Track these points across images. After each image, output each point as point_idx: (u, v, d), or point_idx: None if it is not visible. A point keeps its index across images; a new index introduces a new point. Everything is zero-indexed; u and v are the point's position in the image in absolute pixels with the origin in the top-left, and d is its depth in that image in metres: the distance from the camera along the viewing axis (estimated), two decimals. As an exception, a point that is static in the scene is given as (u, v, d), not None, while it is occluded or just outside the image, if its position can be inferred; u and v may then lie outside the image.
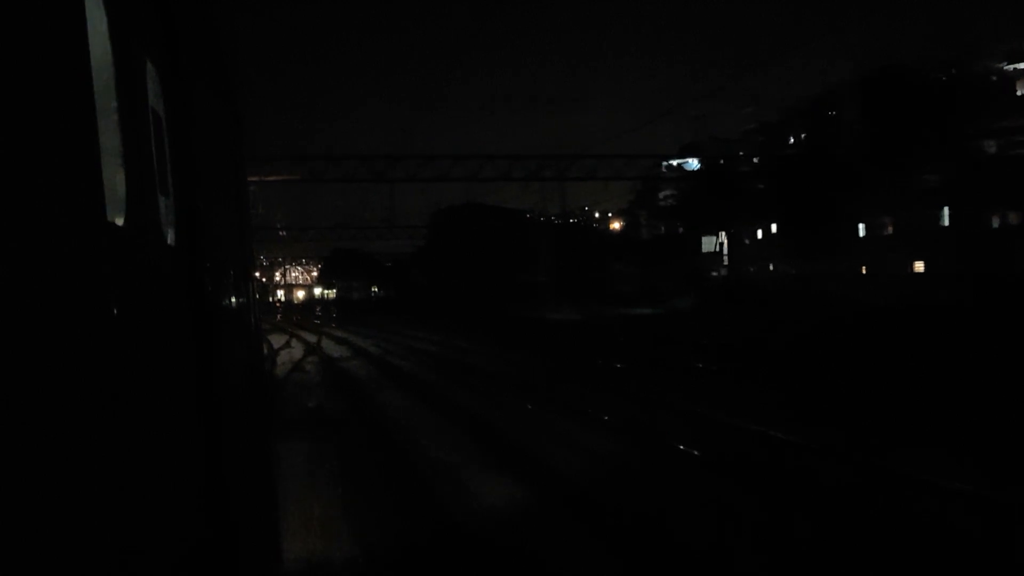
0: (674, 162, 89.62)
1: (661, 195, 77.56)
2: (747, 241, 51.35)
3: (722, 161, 51.76)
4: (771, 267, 46.89)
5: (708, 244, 56.66)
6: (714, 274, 52.87)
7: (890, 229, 38.24)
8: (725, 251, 54.20)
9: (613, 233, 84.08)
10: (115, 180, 1.42)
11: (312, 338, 36.29)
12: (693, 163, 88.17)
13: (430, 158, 40.98)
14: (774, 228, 46.99)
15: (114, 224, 1.38)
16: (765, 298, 36.06)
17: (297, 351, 27.58)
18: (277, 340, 34.32)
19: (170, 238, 1.97)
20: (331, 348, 28.46)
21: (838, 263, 35.43)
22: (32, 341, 0.96)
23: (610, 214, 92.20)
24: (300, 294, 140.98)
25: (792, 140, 44.95)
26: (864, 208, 35.78)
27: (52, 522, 0.98)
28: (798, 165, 36.82)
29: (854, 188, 33.21)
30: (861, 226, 39.12)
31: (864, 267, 37.52)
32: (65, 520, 1.02)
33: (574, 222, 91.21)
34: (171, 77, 2.05)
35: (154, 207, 1.76)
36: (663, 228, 73.90)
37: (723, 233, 53.45)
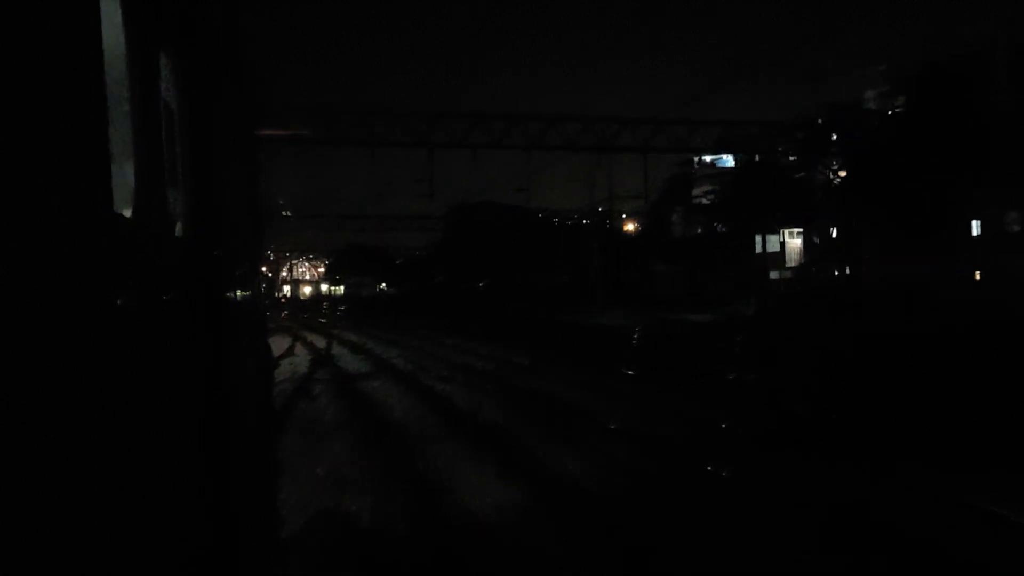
0: (708, 158, 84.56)
1: (697, 191, 72.15)
2: (816, 240, 45.42)
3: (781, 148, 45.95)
4: (848, 270, 41.12)
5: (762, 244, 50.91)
6: (774, 276, 47.10)
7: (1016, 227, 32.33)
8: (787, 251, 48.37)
9: (634, 233, 78.88)
10: (124, 172, 1.41)
11: (321, 342, 30.79)
12: (727, 160, 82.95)
13: (480, 117, 33.79)
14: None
15: (121, 216, 1.38)
16: (848, 305, 30.53)
17: (303, 361, 22.07)
18: (279, 344, 28.85)
19: (179, 230, 1.96)
20: (346, 358, 22.92)
21: (943, 264, 29.66)
22: (35, 330, 0.97)
23: (624, 215, 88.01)
24: (307, 290, 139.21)
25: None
26: (983, 201, 30.04)
27: (57, 512, 1.00)
28: (898, 148, 31.01)
29: (975, 175, 27.50)
30: (975, 223, 33.27)
31: (978, 271, 31.75)
32: (69, 510, 1.04)
33: (587, 223, 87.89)
34: (185, 70, 2.02)
35: (163, 199, 1.76)
36: (700, 228, 68.52)
37: (785, 232, 47.74)
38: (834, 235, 43.41)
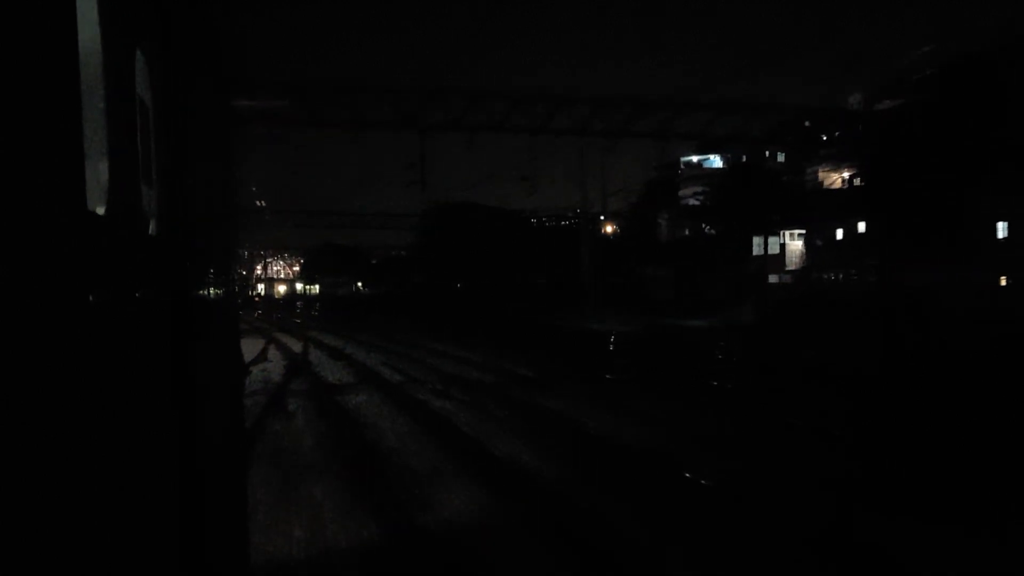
0: (695, 158, 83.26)
1: (683, 192, 70.64)
2: (819, 243, 43.67)
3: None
4: (854, 274, 39.38)
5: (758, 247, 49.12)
6: (773, 280, 45.32)
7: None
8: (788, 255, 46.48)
9: (613, 236, 77.16)
10: (98, 169, 1.41)
11: (297, 346, 28.45)
12: (715, 160, 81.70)
13: (478, 96, 29.59)
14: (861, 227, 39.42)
15: (94, 213, 1.38)
16: (853, 310, 28.84)
17: (276, 368, 19.80)
18: (251, 347, 26.47)
19: (152, 228, 1.95)
20: (325, 365, 20.65)
21: (964, 269, 27.95)
22: (4, 330, 0.96)
23: (602, 216, 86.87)
24: (282, 288, 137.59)
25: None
26: (1014, 202, 28.30)
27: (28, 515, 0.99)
28: (914, 145, 29.25)
29: (1004, 173, 25.81)
30: (1001, 225, 31.59)
31: (1004, 276, 30.04)
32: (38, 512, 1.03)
33: (575, 223, 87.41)
34: (161, 67, 2.02)
35: (137, 197, 1.75)
36: (688, 230, 66.96)
37: (786, 233, 45.98)
38: (839, 237, 41.75)
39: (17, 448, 0.98)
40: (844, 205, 36.18)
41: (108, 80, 1.47)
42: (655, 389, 14.51)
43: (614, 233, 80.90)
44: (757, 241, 47.75)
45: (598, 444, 9.54)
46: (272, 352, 25.41)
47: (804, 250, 44.53)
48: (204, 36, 2.91)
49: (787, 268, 45.54)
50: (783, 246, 46.70)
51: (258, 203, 67.30)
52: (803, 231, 45.73)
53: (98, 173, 1.42)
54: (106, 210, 1.45)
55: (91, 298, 1.30)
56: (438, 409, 12.46)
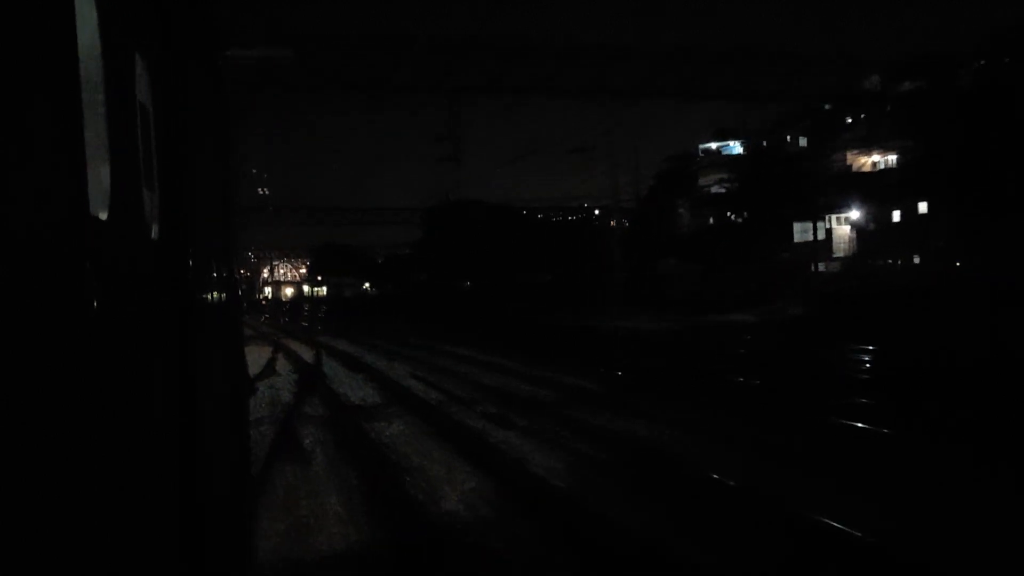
0: (714, 145, 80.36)
1: (704, 181, 67.62)
2: (872, 226, 40.25)
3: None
4: (917, 260, 36.05)
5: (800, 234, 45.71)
6: (821, 269, 42.04)
7: None
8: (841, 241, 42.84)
9: (619, 229, 74.41)
10: (100, 173, 1.41)
11: (307, 353, 25.52)
12: (735, 147, 78.76)
13: (518, 51, 24.50)
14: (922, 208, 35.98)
15: (97, 218, 1.38)
16: (927, 301, 25.78)
17: (286, 384, 16.86)
18: (258, 356, 23.58)
19: (154, 233, 1.91)
20: (343, 379, 17.69)
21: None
22: (7, 336, 0.95)
23: (597, 211, 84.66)
24: (288, 291, 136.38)
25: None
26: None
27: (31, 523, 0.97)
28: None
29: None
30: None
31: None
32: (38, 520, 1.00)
33: (573, 219, 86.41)
34: (160, 70, 1.99)
35: (139, 201, 1.73)
36: (712, 219, 63.93)
37: (832, 218, 42.65)
38: (896, 219, 38.40)
39: (15, 454, 0.93)
40: (903, 183, 32.90)
41: (108, 83, 1.44)
42: (768, 410, 11.51)
43: (621, 227, 77.95)
44: (799, 228, 44.44)
45: (787, 521, 6.52)
46: (281, 363, 22.48)
47: (854, 235, 41.12)
48: (200, 35, 2.75)
49: (835, 255, 42.10)
50: (829, 231, 43.25)
51: (260, 191, 64.58)
52: (849, 215, 42.23)
53: (100, 177, 1.38)
54: (108, 214, 1.42)
55: (95, 303, 1.26)
56: (501, 444, 9.48)
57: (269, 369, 20.43)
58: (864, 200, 38.80)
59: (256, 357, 23.56)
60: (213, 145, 3.09)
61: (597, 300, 44.96)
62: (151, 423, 1.65)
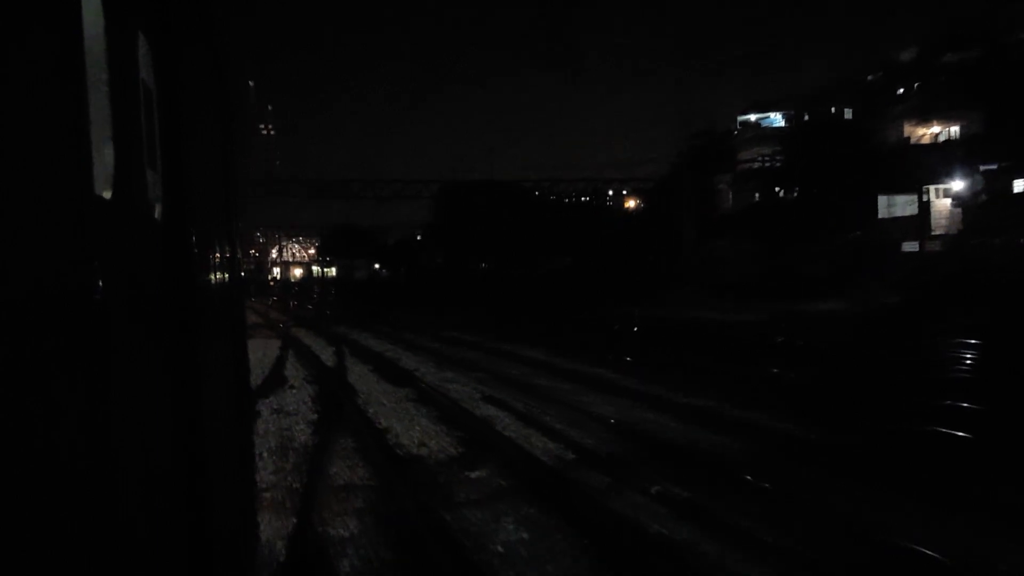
0: (752, 117, 74.72)
1: (744, 155, 62.19)
2: (985, 197, 34.44)
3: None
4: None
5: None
6: (909, 249, 36.52)
7: None
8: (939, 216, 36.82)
9: (636, 212, 69.26)
10: (104, 153, 1.40)
11: (325, 352, 20.31)
12: (776, 119, 73.08)
13: None
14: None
15: (102, 197, 1.37)
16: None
17: (301, 407, 11.60)
18: (262, 354, 18.40)
19: (157, 212, 1.88)
20: (383, 403, 12.30)
21: None
22: (12, 317, 0.94)
23: (624, 191, 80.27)
24: (297, 272, 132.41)
25: None
26: None
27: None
28: None
29: None
30: None
31: None
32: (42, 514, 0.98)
33: (586, 200, 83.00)
34: (162, 48, 1.93)
35: (142, 181, 1.72)
36: (757, 196, 58.52)
37: (933, 188, 36.89)
38: (1018, 190, 32.66)
39: (15, 452, 0.92)
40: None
41: (112, 63, 1.42)
42: None
43: (637, 208, 72.46)
44: (883, 201, 38.82)
45: None
46: (291, 366, 17.29)
47: (957, 210, 35.37)
48: (201, 13, 2.74)
49: (933, 233, 36.44)
50: (926, 204, 37.50)
51: (276, 161, 59.90)
52: (951, 186, 36.34)
53: (104, 157, 1.36)
54: (112, 194, 1.39)
55: (101, 284, 1.26)
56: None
57: (276, 376, 15.24)
58: (967, 170, 33.31)
59: (260, 356, 18.39)
60: (216, 123, 2.95)
61: (639, 285, 39.92)
62: (156, 408, 1.61)
